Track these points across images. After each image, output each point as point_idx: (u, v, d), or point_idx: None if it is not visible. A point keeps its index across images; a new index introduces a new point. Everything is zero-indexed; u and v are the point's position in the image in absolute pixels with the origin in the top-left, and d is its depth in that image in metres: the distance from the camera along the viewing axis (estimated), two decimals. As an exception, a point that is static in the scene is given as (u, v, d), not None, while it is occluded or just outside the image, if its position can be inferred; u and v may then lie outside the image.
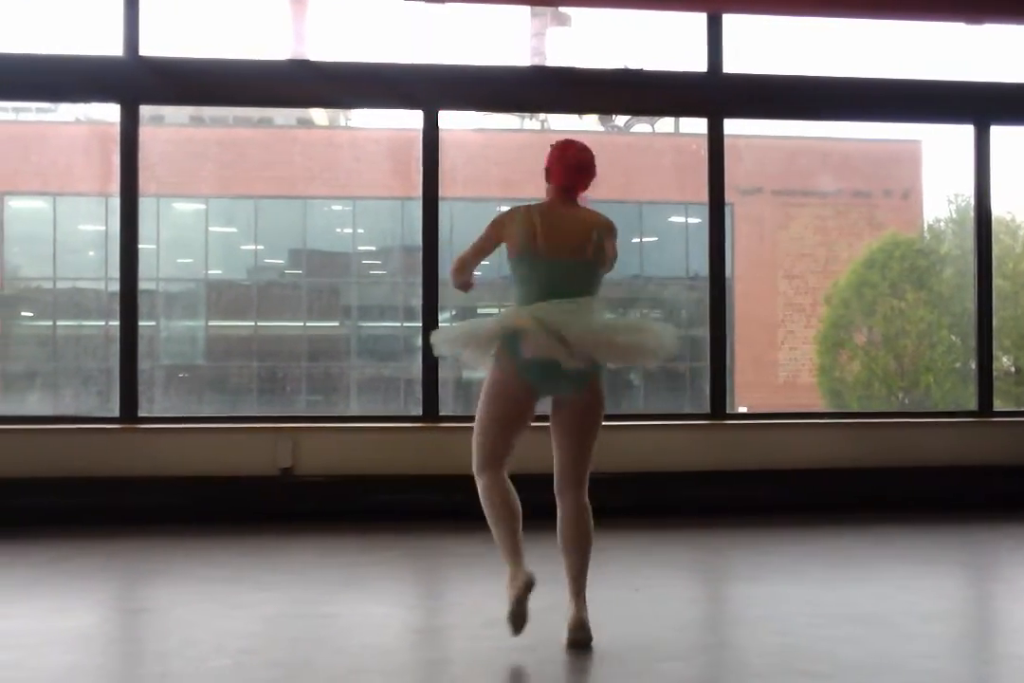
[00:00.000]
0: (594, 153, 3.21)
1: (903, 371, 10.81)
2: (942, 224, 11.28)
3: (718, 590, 4.23)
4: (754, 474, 5.49)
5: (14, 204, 10.30)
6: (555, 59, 10.86)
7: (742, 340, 10.51)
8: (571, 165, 3.16)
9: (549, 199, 3.21)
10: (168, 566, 4.37)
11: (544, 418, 3.18)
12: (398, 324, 10.44)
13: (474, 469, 3.19)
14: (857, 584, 4.00)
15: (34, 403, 9.56)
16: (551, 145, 3.25)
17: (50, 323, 10.44)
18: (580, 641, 3.06)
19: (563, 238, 3.08)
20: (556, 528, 3.17)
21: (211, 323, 10.54)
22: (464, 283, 3.24)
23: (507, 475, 3.19)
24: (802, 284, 11.45)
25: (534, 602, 3.81)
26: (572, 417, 3.10)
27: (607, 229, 3.15)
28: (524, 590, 2.98)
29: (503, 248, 3.19)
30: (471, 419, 5.94)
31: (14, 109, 10.14)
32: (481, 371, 3.21)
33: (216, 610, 3.58)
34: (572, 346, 2.98)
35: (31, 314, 10.55)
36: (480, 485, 3.17)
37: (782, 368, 11.51)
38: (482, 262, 3.23)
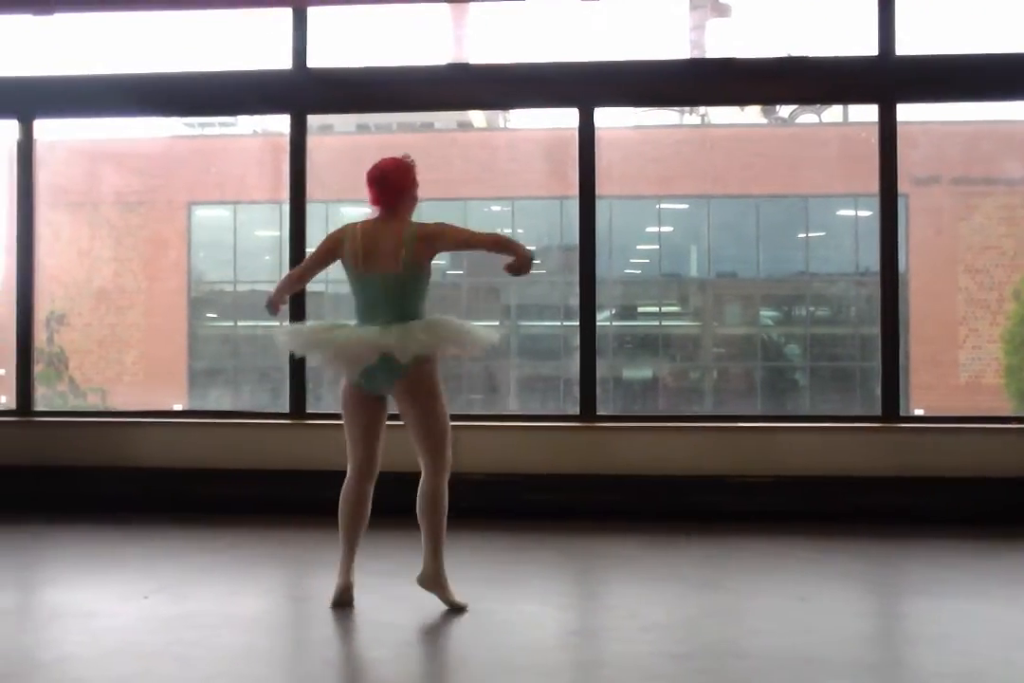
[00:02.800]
0: (402, 165, 3.53)
1: (1103, 372, 9.89)
2: None
3: (890, 604, 3.99)
4: (930, 481, 5.15)
5: (199, 213, 11.01)
6: (715, 52, 10.61)
7: (918, 339, 9.91)
8: (370, 182, 3.51)
9: (370, 216, 3.58)
10: (332, 557, 4.51)
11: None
12: (557, 323, 10.47)
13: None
14: (1049, 604, 3.68)
15: (215, 398, 10.19)
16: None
17: (231, 323, 11.09)
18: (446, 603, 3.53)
19: (376, 252, 3.43)
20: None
21: (376, 323, 10.89)
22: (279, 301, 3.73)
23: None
24: (986, 279, 10.67)
25: (690, 609, 3.72)
26: (400, 406, 3.55)
27: (418, 238, 3.45)
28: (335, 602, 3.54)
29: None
30: (628, 419, 5.95)
31: (200, 124, 10.84)
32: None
33: (376, 601, 3.68)
34: (365, 348, 3.42)
35: (215, 315, 11.25)
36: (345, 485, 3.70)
37: (963, 368, 10.78)
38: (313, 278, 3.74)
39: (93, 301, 9.99)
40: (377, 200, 3.51)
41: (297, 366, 5.69)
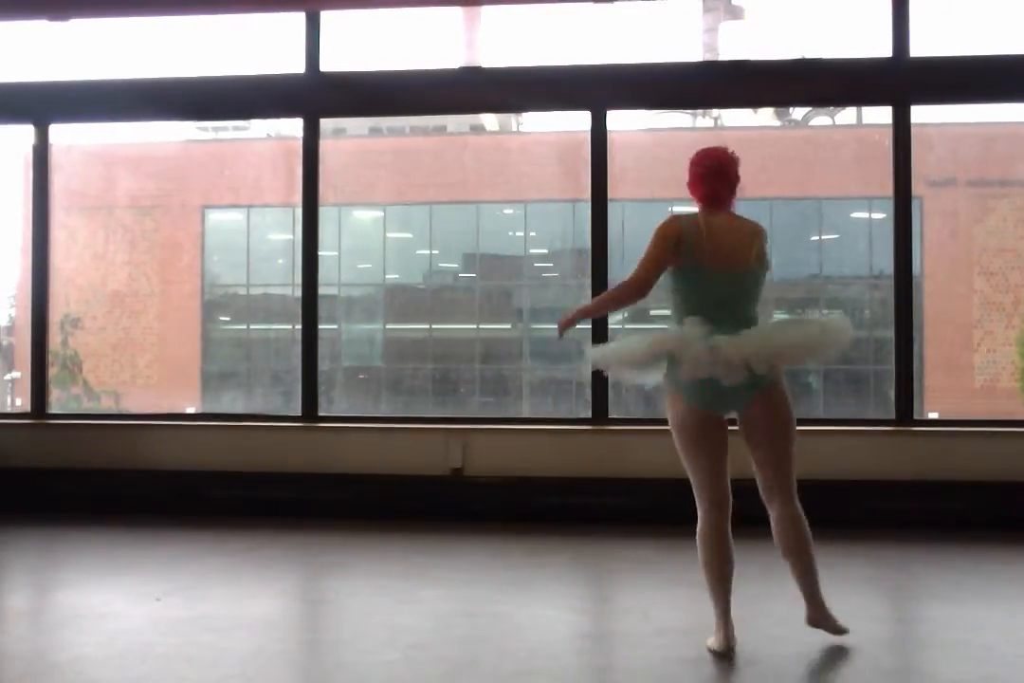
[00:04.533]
0: (734, 157, 3.23)
1: (1121, 376, 9.80)
2: None
3: (905, 609, 3.96)
4: (945, 485, 5.11)
5: (213, 216, 11.05)
6: (728, 54, 10.58)
7: (932, 342, 9.85)
8: (708, 173, 3.18)
9: (702, 211, 3.20)
10: (345, 559, 4.55)
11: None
12: (569, 326, 10.45)
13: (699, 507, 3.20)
14: (1066, 609, 3.65)
15: (228, 401, 10.21)
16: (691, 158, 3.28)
17: (244, 327, 11.12)
18: (834, 633, 3.15)
19: (727, 248, 3.09)
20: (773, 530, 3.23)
21: (389, 326, 10.91)
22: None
23: (728, 519, 3.19)
24: (1002, 281, 10.58)
25: (704, 613, 3.70)
26: (754, 425, 3.11)
27: (764, 235, 3.20)
28: (724, 650, 3.05)
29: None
30: (640, 422, 5.92)
31: (214, 128, 10.88)
32: (648, 384, 3.24)
33: (389, 604, 3.68)
34: (728, 359, 2.99)
35: (228, 318, 11.28)
36: (702, 525, 3.20)
37: (978, 372, 10.70)
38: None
39: (108, 304, 10.03)
40: (715, 193, 3.18)
41: (309, 369, 5.70)
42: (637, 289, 3.10)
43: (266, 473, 5.48)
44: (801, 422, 5.95)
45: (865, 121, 9.83)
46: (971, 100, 5.91)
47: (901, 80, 5.40)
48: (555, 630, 3.39)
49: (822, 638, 3.25)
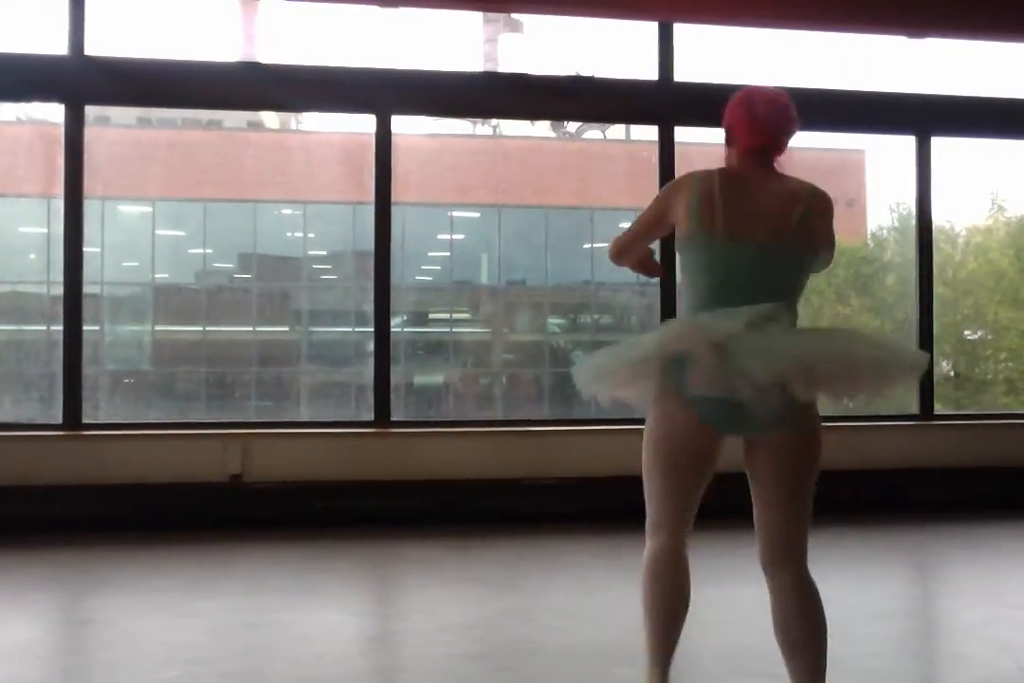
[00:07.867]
0: (785, 104, 2.34)
1: (848, 376, 10.99)
2: (885, 232, 11.53)
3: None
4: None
5: (-49, 205, 10.02)
6: (508, 65, 10.91)
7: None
8: (766, 113, 2.31)
9: (736, 164, 2.36)
10: (115, 576, 4.29)
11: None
12: (349, 329, 10.36)
13: (646, 531, 2.40)
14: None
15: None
16: (732, 98, 2.39)
17: (-12, 327, 10.18)
18: None
19: (752, 215, 2.24)
20: (771, 612, 2.34)
21: (158, 328, 10.34)
22: (637, 265, 2.54)
23: (684, 548, 2.35)
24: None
25: (487, 609, 3.80)
26: (772, 461, 2.22)
27: (818, 202, 2.28)
28: None
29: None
30: (422, 424, 5.98)
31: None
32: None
33: (165, 620, 3.51)
34: (758, 380, 2.09)
35: (-33, 318, 10.27)
36: (645, 553, 2.40)
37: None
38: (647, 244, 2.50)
39: None
40: (767, 141, 2.31)
41: (71, 373, 5.32)
42: (614, 251, 2.52)
43: (22, 487, 5.04)
44: (574, 422, 6.25)
45: (634, 137, 10.45)
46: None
47: (665, 102, 5.81)
48: (341, 634, 3.37)
49: (598, 626, 3.44)
